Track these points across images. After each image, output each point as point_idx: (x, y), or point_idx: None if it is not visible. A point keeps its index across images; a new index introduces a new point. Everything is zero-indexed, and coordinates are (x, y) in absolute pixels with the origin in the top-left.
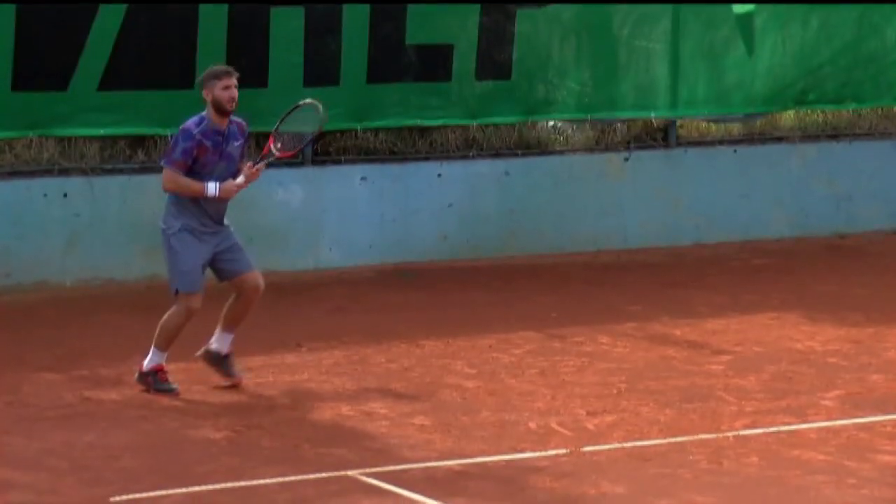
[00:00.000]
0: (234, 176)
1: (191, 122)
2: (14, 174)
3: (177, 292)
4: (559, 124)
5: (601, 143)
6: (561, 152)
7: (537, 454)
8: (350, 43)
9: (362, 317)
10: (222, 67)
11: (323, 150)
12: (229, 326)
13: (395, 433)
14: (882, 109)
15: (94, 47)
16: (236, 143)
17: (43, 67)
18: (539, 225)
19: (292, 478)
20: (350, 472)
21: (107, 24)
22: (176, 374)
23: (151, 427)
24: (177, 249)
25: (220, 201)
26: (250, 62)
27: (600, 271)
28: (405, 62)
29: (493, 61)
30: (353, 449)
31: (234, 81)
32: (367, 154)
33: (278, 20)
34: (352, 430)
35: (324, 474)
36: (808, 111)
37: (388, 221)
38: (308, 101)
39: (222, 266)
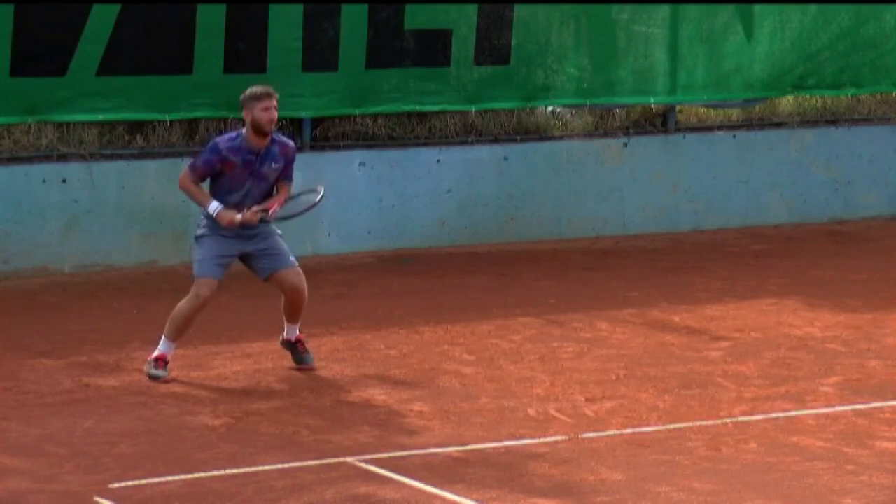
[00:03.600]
0: (269, 195)
1: (225, 136)
2: (13, 160)
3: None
4: (558, 110)
5: (600, 128)
6: (560, 138)
7: (536, 441)
8: (349, 28)
9: (361, 303)
10: (262, 88)
11: (322, 135)
12: (290, 320)
13: (394, 420)
14: (881, 94)
15: (92, 32)
16: (274, 165)
17: (41, 53)
18: (538, 211)
19: (291, 464)
20: (349, 459)
21: (105, 9)
22: (174, 359)
23: (150, 413)
24: (199, 241)
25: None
26: (249, 47)
27: (599, 257)
28: (404, 47)
29: (492, 46)
30: (351, 435)
31: (273, 102)
32: (366, 139)
33: (277, 5)
34: (350, 417)
35: (322, 461)
36: (807, 96)
37: (386, 207)
38: (321, 190)
39: (257, 265)
